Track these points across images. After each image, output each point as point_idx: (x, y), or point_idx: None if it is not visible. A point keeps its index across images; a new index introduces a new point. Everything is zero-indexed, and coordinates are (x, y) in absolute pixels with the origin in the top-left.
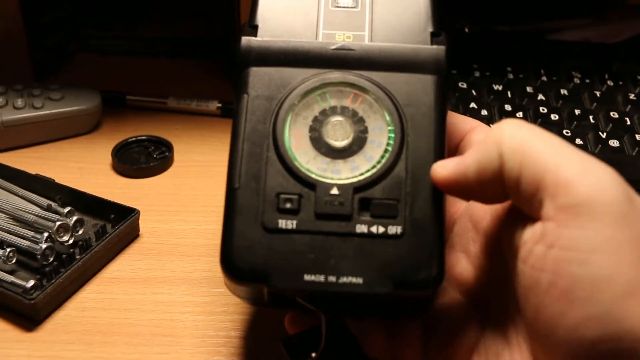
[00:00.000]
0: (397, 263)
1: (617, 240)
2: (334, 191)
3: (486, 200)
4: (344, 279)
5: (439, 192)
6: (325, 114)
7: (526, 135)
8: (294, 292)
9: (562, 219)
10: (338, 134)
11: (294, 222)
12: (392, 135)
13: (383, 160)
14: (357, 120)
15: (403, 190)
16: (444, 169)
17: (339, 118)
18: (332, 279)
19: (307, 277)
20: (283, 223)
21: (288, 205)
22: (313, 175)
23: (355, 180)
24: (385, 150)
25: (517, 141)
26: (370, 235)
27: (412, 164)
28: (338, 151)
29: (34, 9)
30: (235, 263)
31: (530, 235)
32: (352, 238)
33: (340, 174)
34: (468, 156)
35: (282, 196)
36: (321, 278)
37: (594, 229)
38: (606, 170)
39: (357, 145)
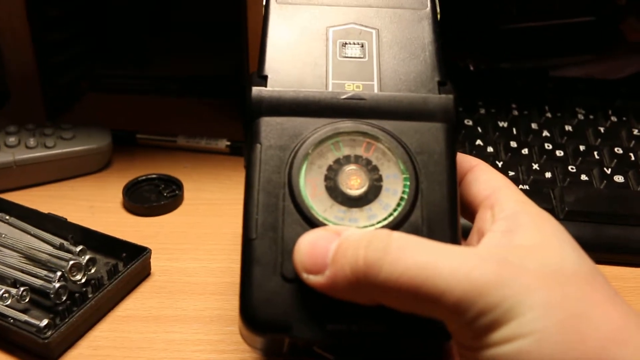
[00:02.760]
0: None
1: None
2: None
3: None
4: (366, 327)
5: (455, 239)
6: (339, 162)
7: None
8: (316, 342)
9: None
10: (353, 183)
11: None
12: (407, 183)
13: (399, 209)
14: (372, 168)
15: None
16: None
17: (353, 167)
18: (354, 327)
19: (329, 327)
20: None
21: None
22: (330, 224)
23: (372, 228)
24: (401, 199)
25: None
26: None
27: (427, 211)
28: (354, 200)
29: (47, 50)
30: (256, 314)
31: None
32: None
33: (358, 222)
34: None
35: None
36: (343, 327)
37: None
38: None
39: (373, 193)
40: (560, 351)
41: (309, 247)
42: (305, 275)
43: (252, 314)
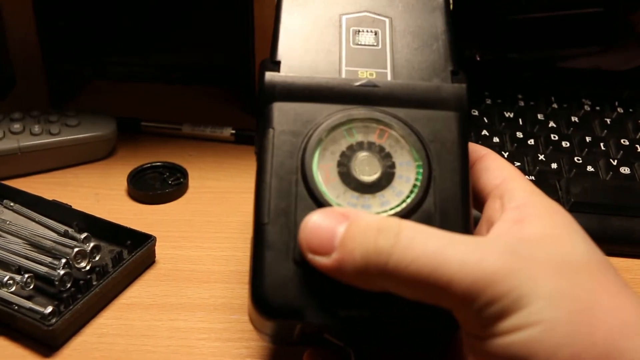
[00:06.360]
0: None
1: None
2: None
3: None
4: (378, 314)
5: (468, 227)
6: (352, 149)
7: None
8: (328, 328)
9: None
10: (366, 169)
11: None
12: (420, 170)
13: (412, 195)
14: (385, 155)
15: (433, 225)
16: None
17: (366, 153)
18: (366, 312)
19: (341, 313)
20: None
21: None
22: None
23: (385, 214)
24: (414, 186)
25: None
26: None
27: (440, 198)
28: (367, 186)
29: (51, 36)
30: (268, 299)
31: None
32: None
33: (371, 209)
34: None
35: None
36: (356, 312)
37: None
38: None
39: (386, 180)
40: (569, 342)
41: (315, 227)
42: (310, 256)
43: (263, 299)
